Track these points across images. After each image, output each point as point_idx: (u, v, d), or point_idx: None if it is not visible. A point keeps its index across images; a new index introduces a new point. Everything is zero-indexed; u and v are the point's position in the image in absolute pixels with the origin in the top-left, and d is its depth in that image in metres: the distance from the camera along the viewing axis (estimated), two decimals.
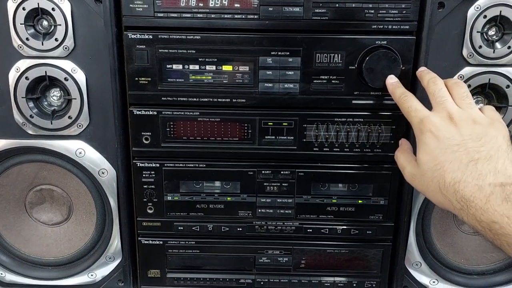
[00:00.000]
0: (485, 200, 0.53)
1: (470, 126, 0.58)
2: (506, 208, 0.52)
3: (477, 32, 0.68)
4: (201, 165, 0.75)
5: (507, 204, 0.52)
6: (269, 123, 0.73)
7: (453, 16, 0.68)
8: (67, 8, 0.68)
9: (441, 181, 0.57)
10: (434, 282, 0.81)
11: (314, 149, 0.74)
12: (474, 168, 0.55)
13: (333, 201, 0.77)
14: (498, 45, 0.69)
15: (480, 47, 0.69)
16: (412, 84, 0.70)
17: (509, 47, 0.69)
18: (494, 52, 0.69)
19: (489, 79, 0.70)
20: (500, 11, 0.67)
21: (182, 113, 0.72)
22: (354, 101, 0.71)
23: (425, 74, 0.65)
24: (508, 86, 0.71)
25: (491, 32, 0.70)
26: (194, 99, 0.71)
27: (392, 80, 0.67)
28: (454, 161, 0.56)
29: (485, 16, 0.67)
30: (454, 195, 0.56)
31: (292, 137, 0.73)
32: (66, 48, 0.69)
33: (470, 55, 0.69)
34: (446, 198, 0.57)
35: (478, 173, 0.54)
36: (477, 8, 0.67)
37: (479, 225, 0.54)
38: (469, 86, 0.70)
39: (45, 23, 0.70)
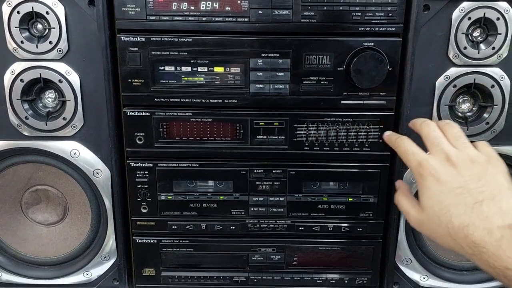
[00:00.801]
0: (496, 245, 0.52)
1: (469, 166, 0.58)
2: None
3: (462, 33, 0.70)
4: (194, 165, 0.76)
5: None
6: (261, 123, 0.74)
7: (438, 18, 0.69)
8: (61, 11, 0.69)
9: (450, 226, 0.56)
10: (424, 278, 0.83)
11: (305, 148, 0.75)
12: (479, 210, 0.55)
13: (324, 199, 0.78)
14: (482, 46, 0.71)
15: (465, 48, 0.70)
16: (399, 85, 0.72)
17: (493, 48, 0.70)
18: (478, 53, 0.71)
19: (474, 79, 0.72)
20: (484, 13, 0.69)
21: (174, 113, 0.73)
22: (343, 101, 0.73)
23: (416, 120, 0.67)
24: (493, 86, 0.72)
25: (476, 33, 0.71)
26: (187, 100, 0.73)
27: (387, 133, 0.72)
28: (459, 204, 0.56)
29: (469, 18, 0.69)
30: (465, 240, 0.55)
31: (283, 137, 0.74)
32: (60, 50, 0.71)
33: (456, 56, 0.71)
34: (456, 243, 0.56)
35: (485, 215, 0.54)
36: (462, 10, 0.69)
37: (493, 271, 0.53)
38: (454, 86, 0.72)
39: (39, 26, 0.71)
